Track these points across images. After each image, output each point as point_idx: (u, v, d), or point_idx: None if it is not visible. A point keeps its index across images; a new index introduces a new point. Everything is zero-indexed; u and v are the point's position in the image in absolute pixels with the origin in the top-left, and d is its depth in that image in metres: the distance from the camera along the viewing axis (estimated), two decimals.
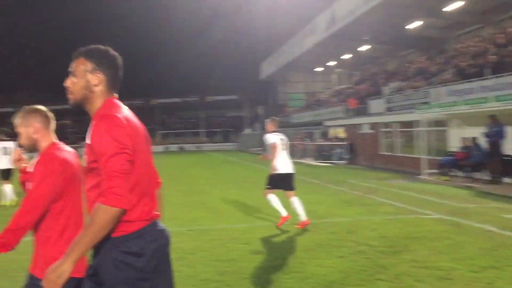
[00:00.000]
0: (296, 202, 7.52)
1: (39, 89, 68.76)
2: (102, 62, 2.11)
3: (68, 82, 2.11)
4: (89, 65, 2.09)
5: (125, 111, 2.08)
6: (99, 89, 2.10)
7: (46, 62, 68.98)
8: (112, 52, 2.17)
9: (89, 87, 2.08)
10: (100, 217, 1.86)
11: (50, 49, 68.71)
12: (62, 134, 56.73)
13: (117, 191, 1.87)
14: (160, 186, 2.30)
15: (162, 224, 2.13)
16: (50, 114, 2.69)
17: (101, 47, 2.16)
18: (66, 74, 2.13)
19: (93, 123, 1.99)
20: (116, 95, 2.16)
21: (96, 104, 2.10)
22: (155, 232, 2.04)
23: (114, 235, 1.94)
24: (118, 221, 1.91)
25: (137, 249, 1.95)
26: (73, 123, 61.76)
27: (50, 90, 68.95)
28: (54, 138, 2.65)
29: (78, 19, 69.46)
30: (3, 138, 11.11)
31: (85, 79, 2.08)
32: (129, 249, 1.94)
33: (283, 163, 7.61)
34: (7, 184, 10.90)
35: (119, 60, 2.17)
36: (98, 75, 2.09)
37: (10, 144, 10.96)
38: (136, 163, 1.99)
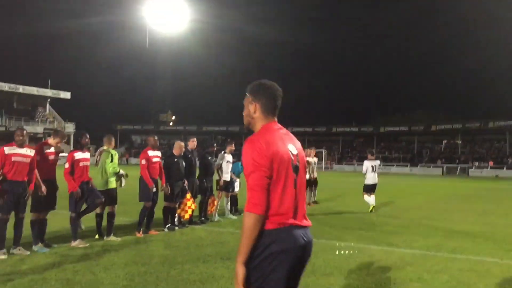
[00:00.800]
0: None
1: (433, 110, 78.43)
2: (257, 94, 2.75)
3: (243, 112, 2.79)
4: (249, 98, 2.76)
5: (273, 136, 2.64)
6: (257, 115, 2.74)
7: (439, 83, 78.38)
8: (268, 84, 2.80)
9: (250, 115, 2.76)
10: (245, 221, 2.48)
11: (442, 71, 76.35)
12: (454, 154, 59.09)
13: (254, 200, 2.47)
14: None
15: (300, 233, 2.60)
16: None
17: (259, 81, 2.81)
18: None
19: (244, 145, 2.58)
20: (275, 119, 2.78)
21: (257, 128, 2.74)
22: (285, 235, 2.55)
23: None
24: (262, 225, 2.48)
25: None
26: (463, 143, 65.52)
27: (444, 110, 77.50)
28: None
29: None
30: (370, 158, 13.91)
31: (248, 109, 2.75)
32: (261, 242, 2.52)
33: None
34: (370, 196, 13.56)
35: (273, 90, 2.79)
36: (255, 104, 2.73)
37: (376, 163, 13.99)
38: (278, 182, 2.55)
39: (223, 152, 11.31)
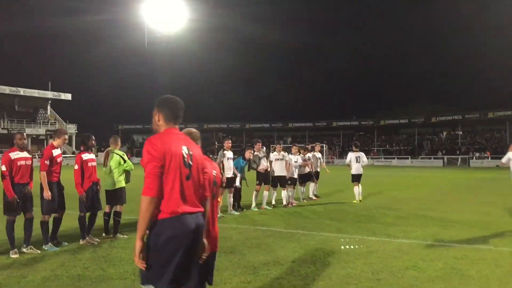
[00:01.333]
0: None
1: (432, 102, 79.63)
2: (160, 106, 3.40)
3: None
4: (155, 110, 3.40)
5: (168, 138, 3.27)
6: (160, 123, 3.38)
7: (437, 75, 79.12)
8: (170, 99, 3.47)
9: (155, 123, 3.40)
10: (141, 204, 3.08)
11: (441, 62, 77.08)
12: (455, 145, 61.69)
13: (148, 185, 3.09)
14: (206, 198, 3.58)
15: (191, 219, 3.19)
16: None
17: (164, 96, 3.47)
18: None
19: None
20: (176, 126, 3.42)
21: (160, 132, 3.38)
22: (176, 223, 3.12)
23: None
24: (155, 206, 3.09)
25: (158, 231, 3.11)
26: (464, 134, 66.11)
27: (443, 102, 77.70)
28: None
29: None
30: (355, 150, 15.06)
31: (154, 118, 3.40)
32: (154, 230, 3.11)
33: None
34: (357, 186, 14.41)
35: (175, 103, 3.44)
36: (158, 114, 3.39)
37: (360, 154, 14.97)
38: (169, 173, 3.15)
39: (222, 149, 11.59)
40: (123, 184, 8.65)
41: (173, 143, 3.27)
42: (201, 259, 3.54)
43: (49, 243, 7.54)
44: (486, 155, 56.61)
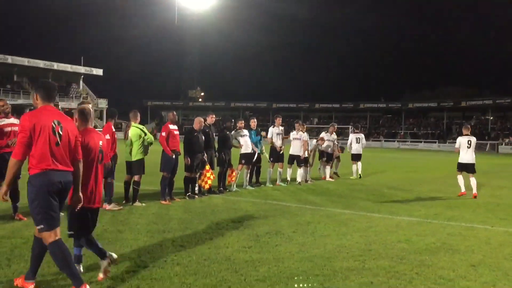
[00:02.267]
0: None
1: (463, 85, 79.68)
2: (36, 89, 4.30)
3: None
4: (33, 91, 4.30)
5: (40, 112, 4.15)
6: (38, 102, 4.25)
7: (469, 57, 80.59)
8: (45, 82, 4.40)
9: (34, 102, 4.26)
10: (9, 163, 4.09)
11: (472, 45, 78.44)
12: (484, 130, 61.56)
13: (15, 151, 4.06)
14: (78, 160, 4.37)
15: (57, 174, 4.14)
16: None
17: (40, 81, 4.41)
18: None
19: None
20: (50, 104, 4.28)
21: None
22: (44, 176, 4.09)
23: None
24: (19, 167, 4.09)
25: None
26: (495, 119, 65.59)
27: (474, 85, 78.73)
28: None
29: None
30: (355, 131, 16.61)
31: (33, 99, 4.26)
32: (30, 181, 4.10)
33: None
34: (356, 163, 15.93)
35: (48, 85, 4.39)
36: (35, 95, 4.26)
37: (360, 135, 16.35)
38: (39, 140, 4.06)
39: (235, 129, 12.07)
40: (141, 156, 9.22)
41: (43, 117, 4.12)
42: (76, 208, 4.50)
43: None
44: None
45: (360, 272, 5.15)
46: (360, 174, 15.84)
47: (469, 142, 11.92)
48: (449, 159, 32.86)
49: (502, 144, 55.47)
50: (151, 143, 9.39)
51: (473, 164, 11.89)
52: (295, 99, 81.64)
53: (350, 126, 63.16)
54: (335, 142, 15.71)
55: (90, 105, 8.50)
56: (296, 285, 4.67)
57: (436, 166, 24.49)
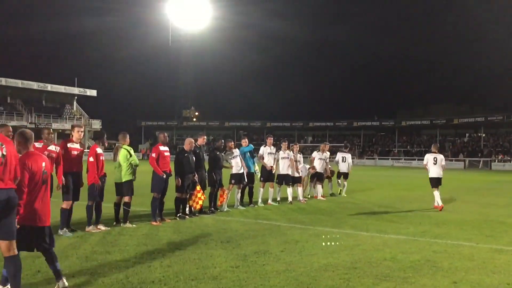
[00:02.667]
0: None
1: (455, 102, 78.75)
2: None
3: None
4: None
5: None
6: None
7: (461, 74, 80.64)
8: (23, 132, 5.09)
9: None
10: None
11: (463, 62, 78.57)
12: (477, 147, 61.36)
13: None
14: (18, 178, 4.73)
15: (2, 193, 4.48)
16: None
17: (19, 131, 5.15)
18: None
19: None
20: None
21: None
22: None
23: None
24: None
25: None
26: (487, 136, 65.61)
27: (466, 103, 77.70)
28: None
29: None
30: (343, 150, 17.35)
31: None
32: None
33: None
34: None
35: (24, 134, 5.05)
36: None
37: (347, 155, 17.00)
38: None
39: (225, 151, 12.23)
40: (130, 177, 9.32)
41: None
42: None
43: (64, 229, 8.29)
44: (508, 158, 55.89)
45: None
46: (342, 193, 16.34)
47: (435, 159, 13.43)
48: (444, 176, 33.07)
49: (495, 161, 55.85)
50: (136, 165, 9.48)
51: (440, 179, 13.41)
52: (289, 118, 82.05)
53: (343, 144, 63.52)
54: (327, 160, 15.90)
55: (79, 128, 8.68)
56: None
57: (428, 184, 24.62)
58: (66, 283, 5.07)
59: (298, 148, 14.61)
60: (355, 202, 14.33)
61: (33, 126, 60.31)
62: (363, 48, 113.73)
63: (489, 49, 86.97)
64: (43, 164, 5.11)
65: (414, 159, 63.34)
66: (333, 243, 7.78)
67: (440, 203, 12.93)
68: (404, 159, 64.36)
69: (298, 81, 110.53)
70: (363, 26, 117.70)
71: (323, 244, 7.74)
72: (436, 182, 13.31)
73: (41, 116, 66.95)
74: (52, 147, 8.07)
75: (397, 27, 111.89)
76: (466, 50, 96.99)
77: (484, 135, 66.06)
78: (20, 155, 4.88)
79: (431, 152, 13.70)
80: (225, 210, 11.76)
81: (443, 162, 13.51)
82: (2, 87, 66.58)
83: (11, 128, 7.77)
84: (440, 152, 14.26)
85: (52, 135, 8.12)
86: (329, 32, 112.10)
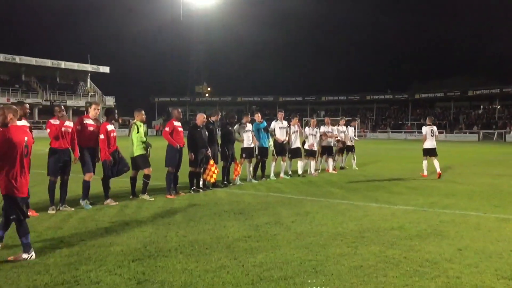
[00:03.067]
0: None
1: (470, 74, 77.56)
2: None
3: None
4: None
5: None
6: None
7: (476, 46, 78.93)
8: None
9: None
10: None
11: (479, 34, 77.27)
12: (492, 119, 61.58)
13: None
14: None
15: None
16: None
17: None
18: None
19: None
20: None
21: None
22: None
23: None
24: None
25: None
26: (502, 108, 65.06)
27: (481, 75, 76.46)
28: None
29: None
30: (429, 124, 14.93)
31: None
32: None
33: None
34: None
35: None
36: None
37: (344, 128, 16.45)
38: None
39: (239, 123, 12.43)
40: (142, 151, 9.55)
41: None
42: None
43: (86, 200, 8.62)
44: None
45: (351, 257, 5.49)
46: (353, 166, 16.58)
47: (432, 131, 14.35)
48: (456, 149, 32.99)
49: (509, 133, 55.31)
50: (143, 142, 9.59)
51: (434, 149, 14.24)
52: (301, 93, 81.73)
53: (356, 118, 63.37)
54: (317, 135, 15.72)
55: (96, 106, 8.92)
56: (289, 269, 5.02)
57: (440, 157, 24.63)
58: (34, 255, 5.38)
59: (315, 123, 14.79)
60: (366, 175, 14.50)
61: (48, 103, 61.05)
62: (376, 22, 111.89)
63: (505, 20, 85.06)
64: (26, 138, 5.45)
65: None
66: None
67: (428, 172, 14.23)
68: (418, 132, 63.94)
69: (310, 56, 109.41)
70: (377, 1, 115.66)
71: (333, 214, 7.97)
72: (430, 152, 14.21)
73: (56, 93, 67.63)
74: (68, 123, 8.33)
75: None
76: (481, 21, 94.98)
77: (499, 107, 65.28)
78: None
79: (426, 125, 14.61)
80: (237, 183, 12.02)
81: (437, 133, 14.56)
82: (16, 65, 67.21)
83: (28, 105, 8.09)
84: (434, 124, 15.23)
85: (64, 112, 8.34)
86: (342, 6, 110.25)
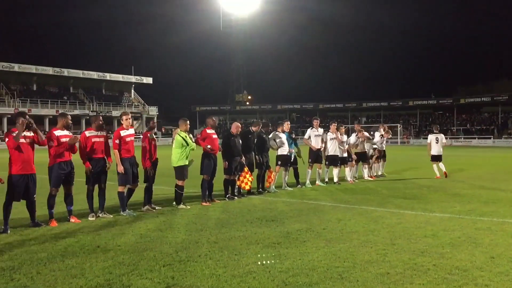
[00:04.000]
0: None
1: None
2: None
3: None
4: None
5: None
6: None
7: None
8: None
9: None
10: None
11: None
12: None
13: None
14: None
15: None
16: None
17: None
18: None
19: None
20: None
21: None
22: None
23: None
24: None
25: None
26: None
27: None
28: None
29: None
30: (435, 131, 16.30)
31: None
32: None
33: None
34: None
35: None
36: None
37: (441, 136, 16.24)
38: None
39: (275, 131, 12.53)
40: (183, 163, 9.72)
41: None
42: None
43: (127, 210, 8.92)
44: None
45: (379, 264, 5.46)
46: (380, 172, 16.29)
47: (437, 139, 15.79)
48: (504, 155, 31.82)
49: None
50: (192, 149, 9.87)
51: (440, 155, 15.66)
52: (342, 99, 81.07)
53: (398, 125, 62.28)
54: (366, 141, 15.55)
55: (126, 116, 9.22)
56: (315, 276, 5.06)
57: (484, 163, 23.91)
58: None
59: (344, 130, 14.66)
60: (404, 182, 14.27)
61: (94, 113, 63.21)
62: (418, 25, 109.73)
63: None
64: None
65: (474, 138, 61.12)
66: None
67: (440, 173, 15.35)
68: (464, 138, 62.20)
69: (351, 62, 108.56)
70: (417, 4, 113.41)
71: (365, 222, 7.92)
72: (437, 158, 15.58)
73: (102, 104, 69.99)
74: (100, 132, 8.65)
75: (455, 2, 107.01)
76: None
77: None
78: None
79: (433, 132, 16.20)
80: (272, 191, 12.10)
81: (444, 141, 15.94)
82: (65, 78, 70.22)
83: (70, 116, 8.50)
84: (440, 132, 16.81)
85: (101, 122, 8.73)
86: (383, 11, 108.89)
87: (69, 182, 8.22)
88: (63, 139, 8.10)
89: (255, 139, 11.76)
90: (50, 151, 8.05)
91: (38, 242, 6.71)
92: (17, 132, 7.44)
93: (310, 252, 6.03)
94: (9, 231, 7.30)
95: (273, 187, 12.26)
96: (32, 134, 7.67)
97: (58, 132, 8.12)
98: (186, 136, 9.83)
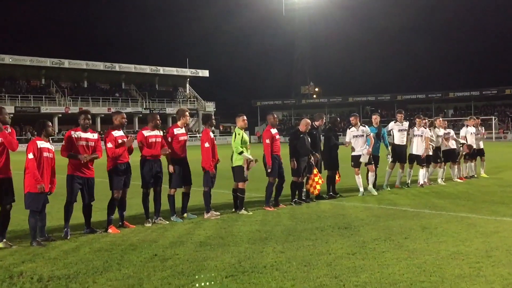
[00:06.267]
0: None
1: None
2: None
3: None
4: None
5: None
6: None
7: None
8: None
9: None
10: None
11: None
12: None
13: None
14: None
15: None
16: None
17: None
18: None
19: None
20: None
21: None
22: None
23: None
24: None
25: None
26: None
27: None
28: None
29: None
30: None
31: None
32: None
33: None
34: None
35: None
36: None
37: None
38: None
39: (349, 127, 12.34)
40: (239, 162, 9.81)
41: None
42: None
43: (175, 215, 9.19)
44: None
45: (472, 279, 5.29)
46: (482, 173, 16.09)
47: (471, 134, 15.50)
48: None
49: None
50: (240, 152, 9.78)
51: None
52: (424, 89, 78.75)
53: (493, 117, 59.63)
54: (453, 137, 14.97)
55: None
56: None
57: None
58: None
59: (441, 123, 14.30)
60: (502, 184, 13.67)
61: (147, 111, 65.36)
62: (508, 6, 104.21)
63: None
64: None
65: None
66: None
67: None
68: None
69: (433, 47, 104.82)
70: None
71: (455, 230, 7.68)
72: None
73: (155, 101, 72.17)
74: (156, 132, 8.94)
75: None
76: None
77: None
78: None
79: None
80: (337, 196, 11.87)
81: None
82: (116, 73, 73.10)
83: (125, 115, 8.88)
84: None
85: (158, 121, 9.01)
86: None
87: (125, 185, 8.58)
88: (120, 140, 8.49)
89: (320, 136, 11.70)
90: (108, 153, 8.45)
91: (93, 249, 7.06)
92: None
93: (390, 264, 5.94)
94: (69, 236, 7.77)
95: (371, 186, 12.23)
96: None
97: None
98: (239, 133, 9.89)
